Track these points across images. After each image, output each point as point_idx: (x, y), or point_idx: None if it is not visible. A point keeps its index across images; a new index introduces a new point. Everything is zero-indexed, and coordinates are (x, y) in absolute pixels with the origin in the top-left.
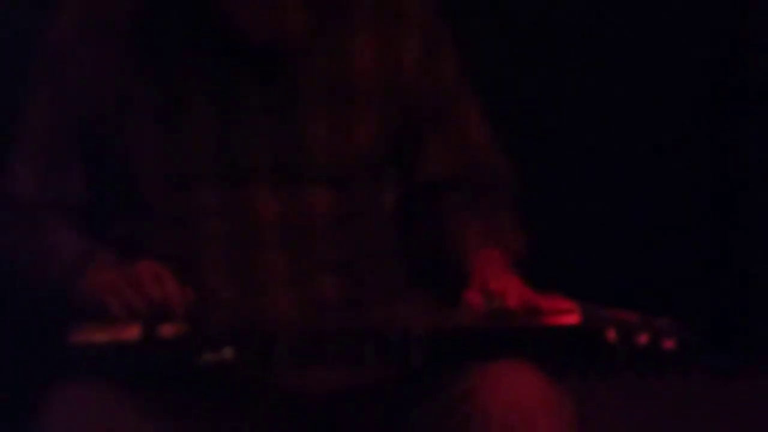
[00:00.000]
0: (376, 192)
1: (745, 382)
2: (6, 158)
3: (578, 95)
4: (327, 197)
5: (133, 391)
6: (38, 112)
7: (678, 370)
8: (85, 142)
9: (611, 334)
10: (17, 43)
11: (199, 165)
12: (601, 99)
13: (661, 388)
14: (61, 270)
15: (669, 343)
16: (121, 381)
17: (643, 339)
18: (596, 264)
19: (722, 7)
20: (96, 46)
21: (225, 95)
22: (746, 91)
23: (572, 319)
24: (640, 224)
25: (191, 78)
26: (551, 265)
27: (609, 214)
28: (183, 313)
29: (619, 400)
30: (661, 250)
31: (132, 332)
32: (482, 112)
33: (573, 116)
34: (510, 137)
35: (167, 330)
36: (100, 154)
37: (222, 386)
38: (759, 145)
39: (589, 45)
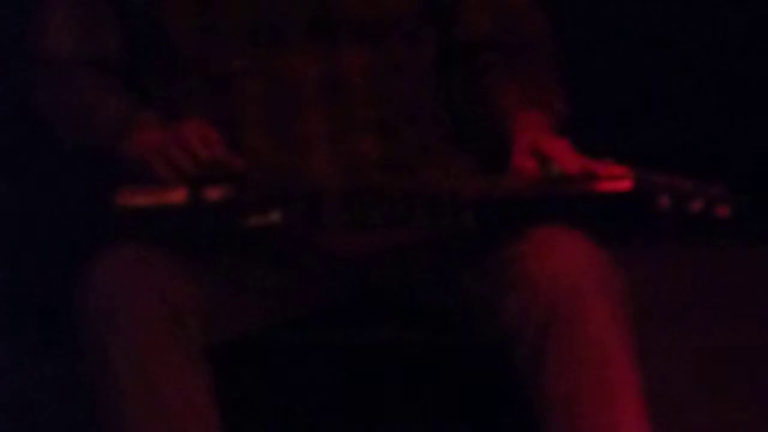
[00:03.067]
0: (413, 50)
1: None
2: (33, 17)
3: None
4: (363, 55)
5: (179, 253)
6: None
7: (728, 238)
8: (121, 4)
9: (664, 200)
10: None
11: (232, 22)
12: None
13: (707, 256)
14: (104, 131)
15: (723, 211)
16: (168, 244)
17: (696, 206)
18: (649, 131)
19: None
20: None
21: None
22: None
23: (625, 184)
24: (692, 92)
25: None
26: (603, 130)
27: (663, 79)
28: (231, 174)
29: (667, 268)
30: (712, 117)
31: (178, 195)
32: None
33: None
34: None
35: (213, 193)
36: (135, 12)
37: (267, 248)
38: None
39: None
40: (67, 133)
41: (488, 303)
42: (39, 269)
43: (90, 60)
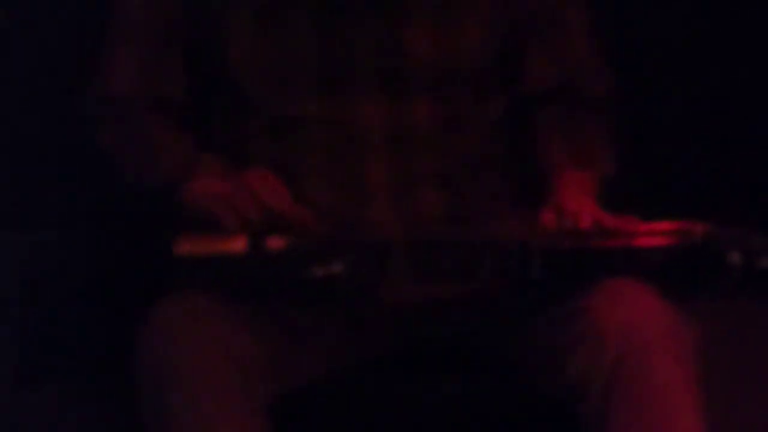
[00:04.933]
0: (481, 103)
1: None
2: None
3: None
4: (430, 107)
5: (241, 303)
6: (131, 9)
7: None
8: (184, 41)
9: (734, 256)
10: None
11: (298, 67)
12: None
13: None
14: (167, 173)
15: None
16: (229, 293)
17: (767, 262)
18: (717, 185)
19: None
20: None
21: None
22: None
23: (694, 239)
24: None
25: None
26: (673, 185)
27: (730, 135)
28: (299, 226)
29: (738, 325)
30: None
31: (238, 244)
32: (590, 25)
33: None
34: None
35: (274, 242)
36: (200, 55)
37: (329, 298)
38: None
39: None
40: (131, 173)
41: (555, 355)
42: (96, 319)
43: (154, 99)
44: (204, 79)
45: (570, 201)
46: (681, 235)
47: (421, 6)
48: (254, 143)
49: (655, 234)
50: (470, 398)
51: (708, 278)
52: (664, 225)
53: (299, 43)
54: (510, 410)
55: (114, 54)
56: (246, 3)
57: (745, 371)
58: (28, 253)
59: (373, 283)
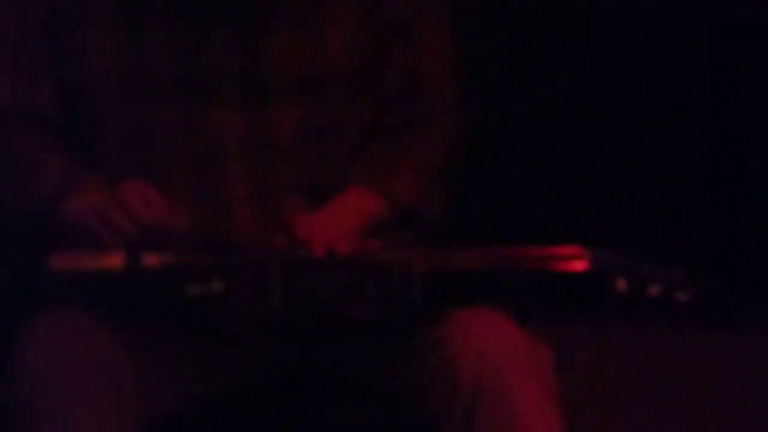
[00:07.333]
0: (349, 111)
1: (741, 336)
2: None
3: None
4: (294, 113)
5: (117, 321)
6: (1, 20)
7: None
8: (51, 53)
9: (621, 283)
10: None
11: (156, 75)
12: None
13: (654, 339)
14: (43, 196)
15: (682, 296)
16: (103, 310)
17: (654, 290)
18: (603, 211)
19: None
20: None
21: (186, 5)
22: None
23: (580, 265)
24: (646, 177)
25: None
26: (562, 211)
27: (615, 164)
28: (172, 235)
29: (618, 349)
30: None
31: (115, 260)
32: (450, 41)
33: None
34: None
35: (151, 259)
36: (66, 59)
37: (208, 319)
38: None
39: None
40: (6, 197)
41: (416, 386)
42: None
43: (24, 112)
44: (69, 87)
45: (304, 227)
46: (568, 259)
47: (283, 14)
48: (117, 154)
49: (542, 259)
50: (348, 425)
51: (593, 303)
52: (551, 250)
53: (157, 51)
54: None
55: None
56: (105, 12)
57: (626, 395)
58: None
59: (251, 304)
